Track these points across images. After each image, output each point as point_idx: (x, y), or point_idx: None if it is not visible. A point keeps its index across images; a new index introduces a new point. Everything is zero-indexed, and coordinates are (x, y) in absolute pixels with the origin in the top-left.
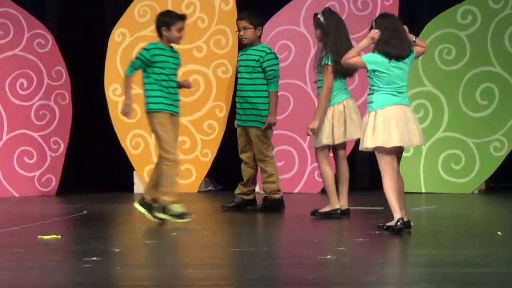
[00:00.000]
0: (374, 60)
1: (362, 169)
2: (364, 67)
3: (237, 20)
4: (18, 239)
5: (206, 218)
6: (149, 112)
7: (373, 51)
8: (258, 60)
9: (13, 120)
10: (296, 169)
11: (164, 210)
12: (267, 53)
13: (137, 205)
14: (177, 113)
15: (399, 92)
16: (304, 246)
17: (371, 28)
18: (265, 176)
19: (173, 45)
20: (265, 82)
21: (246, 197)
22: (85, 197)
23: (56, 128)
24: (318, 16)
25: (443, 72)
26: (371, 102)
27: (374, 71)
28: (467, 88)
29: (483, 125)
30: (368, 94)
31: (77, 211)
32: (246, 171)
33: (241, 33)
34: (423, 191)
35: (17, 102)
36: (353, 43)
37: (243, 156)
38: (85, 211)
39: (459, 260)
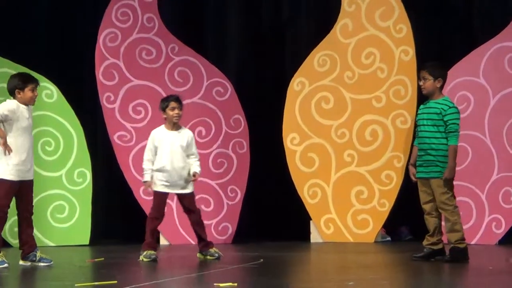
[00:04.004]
0: None
1: None
2: None
3: (420, 69)
4: (195, 286)
5: (383, 268)
6: None
7: None
8: (440, 113)
9: None
10: (473, 221)
11: None
12: (450, 107)
13: None
14: None
15: None
16: None
17: None
18: (450, 225)
19: None
20: (445, 135)
21: (435, 247)
22: (262, 246)
23: (234, 177)
24: None
25: None
26: None
27: None
28: None
29: None
30: None
31: (254, 259)
32: (430, 222)
33: (421, 83)
34: None
35: None
36: None
37: (426, 207)
38: (262, 259)
39: None
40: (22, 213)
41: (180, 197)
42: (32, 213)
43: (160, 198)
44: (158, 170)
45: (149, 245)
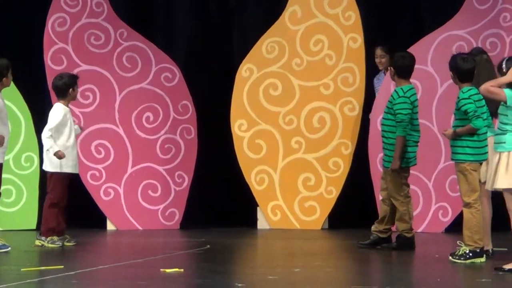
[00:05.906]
0: None
1: None
2: (503, 100)
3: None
4: (141, 271)
5: (330, 255)
6: None
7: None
8: (391, 102)
9: (138, 153)
10: (420, 209)
11: None
12: (399, 96)
13: None
14: None
15: None
16: (426, 286)
17: (500, 66)
18: (398, 215)
19: None
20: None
21: (381, 235)
22: (209, 232)
23: (181, 162)
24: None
25: None
26: (504, 142)
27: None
28: None
29: None
30: (497, 134)
31: (200, 245)
32: (382, 209)
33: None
34: None
35: (143, 135)
36: None
37: (381, 194)
38: (208, 246)
39: None
40: None
41: (73, 177)
42: None
43: (66, 180)
44: (64, 149)
45: (54, 230)
